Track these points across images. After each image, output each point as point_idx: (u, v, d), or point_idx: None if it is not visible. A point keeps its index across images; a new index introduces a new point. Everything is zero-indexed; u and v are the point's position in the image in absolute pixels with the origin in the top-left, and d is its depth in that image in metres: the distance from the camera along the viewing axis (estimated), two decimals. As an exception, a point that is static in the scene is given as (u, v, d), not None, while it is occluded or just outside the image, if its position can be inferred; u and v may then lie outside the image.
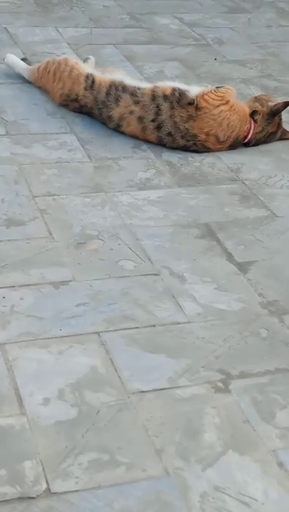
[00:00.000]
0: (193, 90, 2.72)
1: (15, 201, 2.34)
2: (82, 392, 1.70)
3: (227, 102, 2.70)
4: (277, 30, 3.97)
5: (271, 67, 3.51)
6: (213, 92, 2.70)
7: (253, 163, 2.71)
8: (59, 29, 3.63)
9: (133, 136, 2.74)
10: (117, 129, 2.76)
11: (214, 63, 3.49)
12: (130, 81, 2.78)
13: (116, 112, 2.72)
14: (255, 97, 2.84)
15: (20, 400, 1.66)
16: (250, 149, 2.78)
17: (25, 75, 3.04)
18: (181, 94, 2.68)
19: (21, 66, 3.07)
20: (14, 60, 3.09)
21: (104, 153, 2.66)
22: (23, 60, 3.13)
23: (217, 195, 2.50)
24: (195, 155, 2.71)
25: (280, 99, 2.99)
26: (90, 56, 3.15)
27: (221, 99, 2.69)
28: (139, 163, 2.63)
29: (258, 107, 2.77)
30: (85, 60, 3.09)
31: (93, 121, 2.82)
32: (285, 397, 1.74)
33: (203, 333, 1.90)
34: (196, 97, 2.67)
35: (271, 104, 2.80)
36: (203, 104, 2.66)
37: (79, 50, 3.41)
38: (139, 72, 3.25)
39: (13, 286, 1.98)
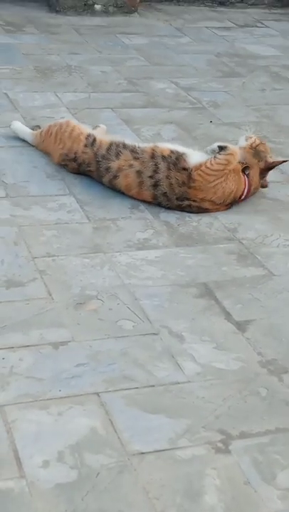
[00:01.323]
0: (193, 156, 2.74)
1: (15, 262, 2.36)
2: (82, 454, 1.69)
3: (223, 175, 2.72)
4: (271, 94, 4.06)
5: (266, 129, 3.59)
6: (210, 165, 2.70)
7: (250, 222, 2.75)
8: (58, 94, 3.72)
9: (128, 192, 2.77)
10: (113, 182, 2.78)
11: (210, 126, 3.56)
12: (130, 141, 2.85)
13: (115, 164, 2.77)
14: (255, 149, 2.82)
15: (19, 462, 1.65)
16: (246, 209, 2.82)
17: (29, 139, 3.13)
18: (178, 157, 2.73)
19: (26, 132, 3.16)
20: (19, 126, 3.19)
21: (103, 214, 2.70)
22: (36, 126, 3.20)
23: (215, 255, 2.52)
24: (192, 215, 2.74)
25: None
26: (101, 125, 3.20)
27: (217, 174, 2.71)
28: (137, 223, 2.66)
29: (253, 162, 2.80)
30: (94, 128, 3.13)
31: (92, 183, 2.86)
32: (286, 457, 1.73)
33: (202, 393, 1.90)
34: (193, 168, 2.70)
35: (269, 160, 2.83)
36: (198, 178, 2.70)
37: (78, 114, 3.49)
38: (136, 135, 3.32)
39: (13, 348, 1.99)
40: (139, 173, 2.74)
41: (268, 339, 2.13)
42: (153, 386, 1.91)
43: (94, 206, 2.74)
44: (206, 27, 5.16)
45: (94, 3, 5.09)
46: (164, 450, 1.72)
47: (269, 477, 1.68)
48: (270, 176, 2.93)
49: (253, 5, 5.72)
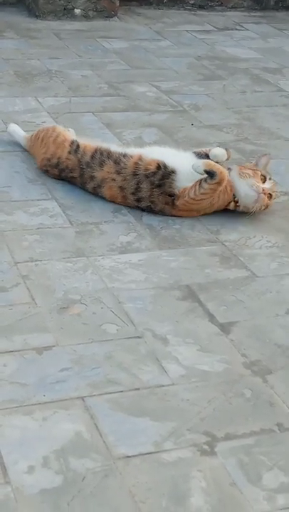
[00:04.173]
0: (181, 177, 2.65)
1: (-3, 268, 2.35)
2: (67, 458, 1.68)
3: (210, 196, 2.68)
4: (252, 96, 4.08)
5: (247, 131, 3.60)
6: (193, 196, 2.64)
7: (232, 224, 2.75)
8: (39, 99, 3.71)
9: (112, 201, 2.77)
10: (97, 190, 2.78)
11: (191, 128, 3.57)
12: (116, 148, 2.82)
13: (99, 174, 2.76)
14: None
15: (4, 468, 1.64)
16: (228, 211, 2.82)
17: (23, 143, 3.12)
18: (164, 177, 2.66)
19: (20, 135, 3.15)
20: (15, 129, 3.18)
21: (85, 218, 2.69)
22: None
23: (197, 257, 2.53)
24: (175, 218, 2.74)
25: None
26: (70, 128, 3.22)
27: (202, 202, 2.68)
28: (119, 227, 2.66)
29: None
30: None
31: (74, 187, 2.86)
32: (271, 458, 1.74)
33: (187, 395, 1.90)
34: (178, 194, 2.66)
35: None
36: (182, 207, 2.69)
37: (59, 119, 3.48)
38: (118, 139, 3.32)
39: (-4, 353, 1.98)
40: (121, 188, 2.73)
41: (251, 340, 2.13)
42: (138, 389, 1.91)
43: (76, 210, 2.74)
44: (186, 30, 5.18)
45: (74, 8, 5.09)
46: (149, 453, 1.72)
47: (255, 478, 1.68)
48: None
49: (233, 8, 5.75)
